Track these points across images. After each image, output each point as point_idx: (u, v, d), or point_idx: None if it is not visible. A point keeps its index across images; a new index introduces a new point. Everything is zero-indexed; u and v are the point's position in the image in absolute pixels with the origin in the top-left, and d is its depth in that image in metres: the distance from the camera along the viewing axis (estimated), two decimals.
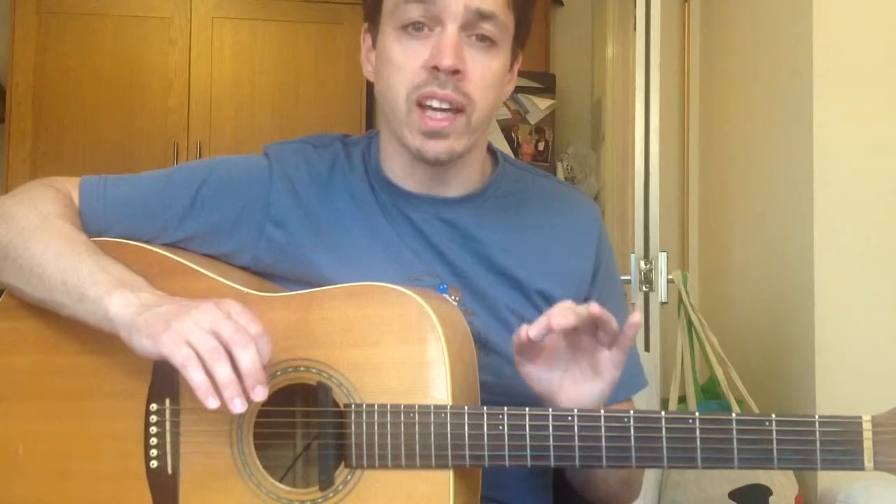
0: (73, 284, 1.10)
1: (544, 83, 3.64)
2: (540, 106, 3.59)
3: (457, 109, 1.15)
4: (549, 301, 1.23)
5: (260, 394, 0.99)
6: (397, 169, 1.24)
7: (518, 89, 3.54)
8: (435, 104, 1.14)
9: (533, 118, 3.60)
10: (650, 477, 1.95)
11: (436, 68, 1.12)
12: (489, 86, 1.17)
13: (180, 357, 0.99)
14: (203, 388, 0.98)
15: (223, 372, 0.98)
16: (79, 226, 1.19)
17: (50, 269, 1.12)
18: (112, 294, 1.07)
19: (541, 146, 3.61)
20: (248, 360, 0.99)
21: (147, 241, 1.22)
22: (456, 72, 1.13)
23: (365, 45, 1.25)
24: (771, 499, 1.96)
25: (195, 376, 0.98)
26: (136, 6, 3.74)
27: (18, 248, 1.15)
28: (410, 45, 1.15)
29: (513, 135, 3.57)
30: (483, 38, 1.15)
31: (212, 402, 0.98)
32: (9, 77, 3.66)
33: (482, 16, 1.13)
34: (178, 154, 3.68)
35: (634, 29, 2.50)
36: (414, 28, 1.14)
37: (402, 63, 1.15)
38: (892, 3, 2.05)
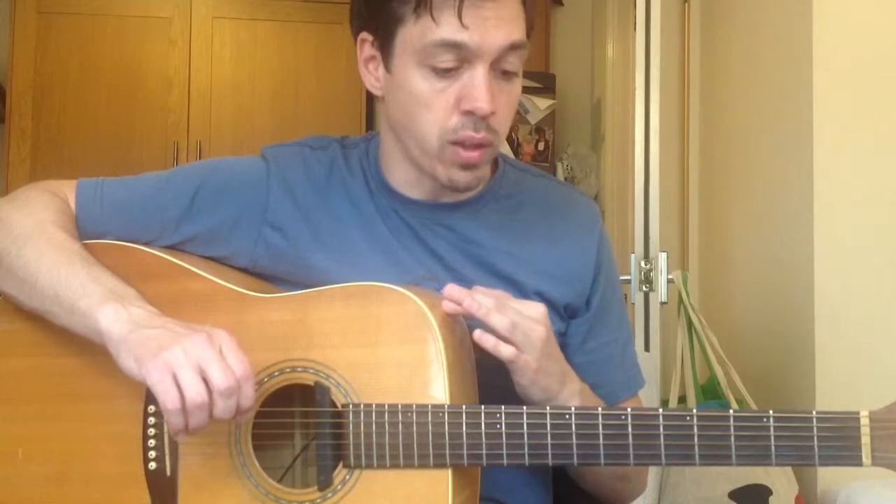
0: (65, 295, 1.09)
1: (544, 83, 3.64)
2: (540, 106, 3.59)
3: (486, 144, 1.15)
4: (549, 302, 1.23)
5: None
6: (401, 177, 1.23)
7: None
8: (468, 143, 1.14)
9: (533, 118, 3.60)
10: (650, 477, 1.95)
11: (470, 112, 1.12)
12: (511, 113, 1.18)
13: (163, 391, 1.00)
14: (174, 428, 1.02)
15: (198, 419, 1.01)
16: (74, 233, 1.18)
17: (43, 278, 1.11)
18: (102, 307, 1.06)
19: (541, 146, 3.61)
20: (225, 412, 1.01)
21: (145, 244, 1.21)
22: (490, 113, 1.12)
23: (364, 54, 1.20)
24: (771, 499, 1.96)
25: (173, 419, 1.01)
26: (136, 6, 3.74)
27: (12, 255, 1.14)
28: (439, 83, 1.12)
29: (513, 135, 3.56)
30: (506, 73, 1.14)
31: (179, 437, 1.04)
32: (9, 77, 3.66)
33: (514, 47, 1.12)
34: (178, 154, 3.68)
35: (634, 29, 2.50)
36: (442, 65, 1.12)
37: (430, 102, 1.13)
38: (893, 3, 2.05)
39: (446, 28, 1.09)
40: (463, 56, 1.11)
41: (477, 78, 1.11)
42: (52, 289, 1.10)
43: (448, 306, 1.09)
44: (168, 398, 1.00)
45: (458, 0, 1.08)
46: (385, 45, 1.16)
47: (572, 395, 1.14)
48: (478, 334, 1.08)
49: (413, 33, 1.12)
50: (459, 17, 1.08)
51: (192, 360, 1.00)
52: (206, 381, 1.00)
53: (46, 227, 1.16)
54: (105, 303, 1.07)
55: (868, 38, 2.05)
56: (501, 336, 1.08)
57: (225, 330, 1.04)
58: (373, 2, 1.16)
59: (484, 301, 1.08)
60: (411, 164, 1.20)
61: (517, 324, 1.08)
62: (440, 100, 1.12)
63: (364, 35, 1.19)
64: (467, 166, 1.15)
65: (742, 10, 2.66)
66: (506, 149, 3.44)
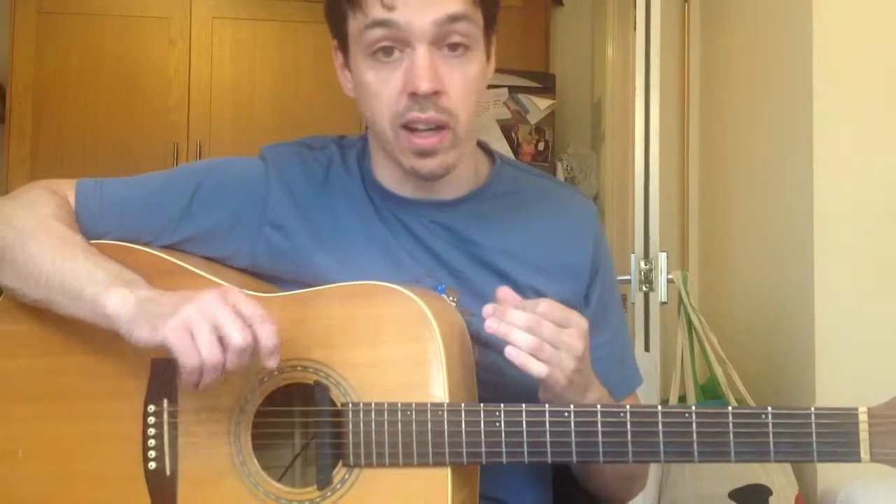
0: (70, 284, 1.10)
1: (544, 83, 3.64)
2: (540, 106, 3.59)
3: (442, 127, 1.14)
4: (541, 297, 1.23)
5: None
6: (389, 177, 1.24)
7: (518, 89, 3.54)
8: (421, 126, 1.13)
9: (533, 118, 3.60)
10: (649, 477, 1.95)
11: (414, 93, 1.11)
12: (469, 93, 1.15)
13: (180, 351, 1.01)
14: (187, 383, 1.04)
15: (211, 377, 1.02)
16: (75, 227, 1.19)
17: (47, 269, 1.12)
18: (109, 291, 1.07)
19: (541, 146, 3.61)
20: (236, 367, 1.03)
21: (145, 244, 1.22)
22: (435, 93, 1.12)
23: (337, 61, 1.23)
24: (771, 499, 1.96)
25: (188, 377, 1.02)
26: (136, 6, 3.74)
27: (16, 249, 1.15)
28: (384, 71, 1.13)
29: (513, 135, 3.56)
30: (455, 47, 1.13)
31: (191, 390, 1.05)
32: (9, 77, 3.66)
33: (452, 20, 1.11)
34: (178, 154, 3.68)
35: (634, 29, 2.50)
36: (384, 54, 1.13)
37: (378, 91, 1.14)
38: (893, 4, 2.05)
39: (373, 11, 1.11)
40: (398, 37, 1.11)
41: (415, 59, 1.11)
42: (58, 278, 1.11)
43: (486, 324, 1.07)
44: (187, 358, 1.01)
45: None
46: (343, 45, 1.19)
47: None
48: (508, 351, 1.05)
49: (354, 27, 1.14)
50: (381, 3, 1.10)
51: (208, 318, 1.01)
52: (221, 339, 1.01)
53: (49, 221, 1.17)
54: (112, 287, 1.07)
55: (868, 38, 2.05)
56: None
57: (236, 289, 1.05)
58: (327, 5, 1.18)
59: (515, 318, 1.05)
60: (390, 159, 1.21)
61: (547, 342, 1.05)
62: (387, 87, 1.13)
63: (335, 43, 1.22)
64: (423, 153, 1.14)
65: (742, 10, 2.66)
66: (505, 149, 3.44)
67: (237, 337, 1.00)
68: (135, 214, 1.22)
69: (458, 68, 1.14)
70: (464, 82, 1.14)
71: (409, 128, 1.13)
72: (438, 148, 1.14)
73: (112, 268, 1.11)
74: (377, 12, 1.11)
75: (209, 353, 1.00)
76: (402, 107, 1.13)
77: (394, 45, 1.12)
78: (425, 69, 1.11)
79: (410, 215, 1.23)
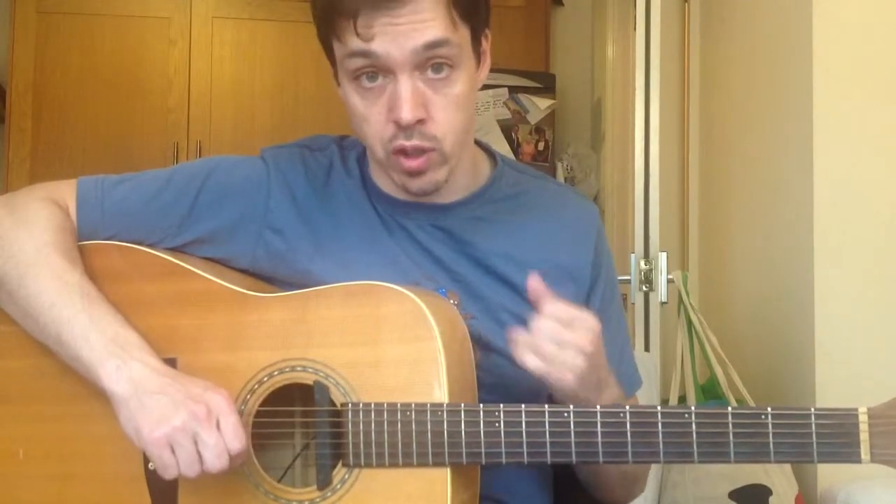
0: (68, 342, 1.10)
1: (544, 83, 3.63)
2: (540, 106, 3.58)
3: (428, 150, 1.14)
4: None
5: None
6: (387, 182, 1.24)
7: (518, 89, 3.53)
8: (408, 151, 1.14)
9: (533, 118, 3.59)
10: (649, 477, 1.95)
11: (397, 122, 1.12)
12: (456, 112, 1.15)
13: (161, 465, 1.05)
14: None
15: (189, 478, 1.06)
16: (74, 253, 1.18)
17: (45, 317, 1.12)
18: (104, 363, 1.08)
19: (541, 146, 3.60)
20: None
21: (148, 246, 1.22)
22: (419, 121, 1.12)
23: (333, 73, 1.22)
24: (771, 499, 1.96)
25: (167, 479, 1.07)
26: (136, 6, 3.74)
27: (13, 282, 1.14)
28: (369, 97, 1.14)
29: (513, 135, 3.56)
30: (439, 68, 1.12)
31: None
32: (9, 77, 3.65)
33: (431, 47, 1.10)
34: (178, 154, 3.68)
35: (634, 29, 2.50)
36: (368, 79, 1.13)
37: (365, 116, 1.15)
38: (893, 3, 2.05)
39: (351, 43, 1.11)
40: (379, 65, 1.11)
41: (398, 88, 1.11)
42: (55, 331, 1.11)
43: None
44: (167, 471, 1.04)
45: (352, 20, 1.09)
46: (333, 64, 1.19)
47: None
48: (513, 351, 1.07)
49: (338, 52, 1.15)
50: (357, 34, 1.09)
51: (189, 435, 1.03)
52: (199, 453, 1.04)
53: (47, 253, 1.15)
54: (106, 358, 1.08)
55: (868, 38, 2.05)
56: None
57: (223, 396, 1.06)
58: (315, 26, 1.18)
59: (542, 325, 1.07)
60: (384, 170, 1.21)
61: (547, 339, 1.06)
62: (374, 112, 1.14)
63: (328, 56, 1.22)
64: (412, 173, 1.15)
65: (742, 10, 2.66)
66: (505, 149, 3.44)
67: (214, 463, 1.04)
68: (136, 220, 1.22)
69: (441, 91, 1.13)
70: (448, 103, 1.14)
71: (397, 152, 1.14)
72: (426, 168, 1.16)
73: (109, 325, 1.11)
74: (355, 43, 1.10)
75: (187, 468, 1.04)
76: (389, 133, 1.14)
77: (376, 71, 1.12)
78: (407, 100, 1.11)
79: (410, 219, 1.23)
